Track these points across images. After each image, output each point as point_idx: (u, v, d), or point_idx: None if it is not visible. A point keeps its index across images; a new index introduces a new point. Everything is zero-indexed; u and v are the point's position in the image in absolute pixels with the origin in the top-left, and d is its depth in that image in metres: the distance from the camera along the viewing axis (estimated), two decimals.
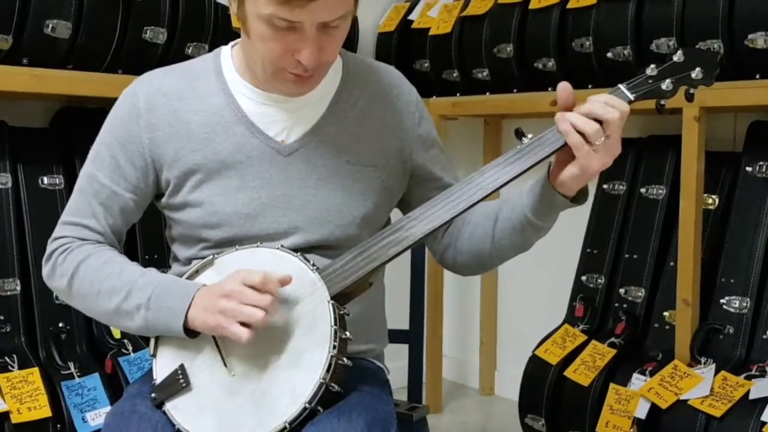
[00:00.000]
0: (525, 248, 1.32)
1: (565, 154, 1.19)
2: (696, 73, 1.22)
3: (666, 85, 1.22)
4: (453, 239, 1.39)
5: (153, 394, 1.25)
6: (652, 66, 1.22)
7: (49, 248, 1.33)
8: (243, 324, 1.16)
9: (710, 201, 2.24)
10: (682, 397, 1.99)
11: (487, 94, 2.70)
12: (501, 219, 1.30)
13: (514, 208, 1.28)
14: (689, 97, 1.24)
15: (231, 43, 1.39)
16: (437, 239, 1.41)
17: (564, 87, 1.20)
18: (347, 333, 1.19)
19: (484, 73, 2.67)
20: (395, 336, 1.60)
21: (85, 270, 1.28)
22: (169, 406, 1.24)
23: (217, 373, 1.23)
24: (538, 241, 1.31)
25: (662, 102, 1.23)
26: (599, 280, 2.42)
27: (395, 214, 1.39)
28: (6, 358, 1.94)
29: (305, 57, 1.19)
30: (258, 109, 1.32)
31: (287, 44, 1.19)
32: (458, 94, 2.79)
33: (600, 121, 1.15)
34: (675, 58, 1.23)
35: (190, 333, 1.23)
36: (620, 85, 1.22)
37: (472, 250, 1.36)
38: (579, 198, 1.24)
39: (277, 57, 1.21)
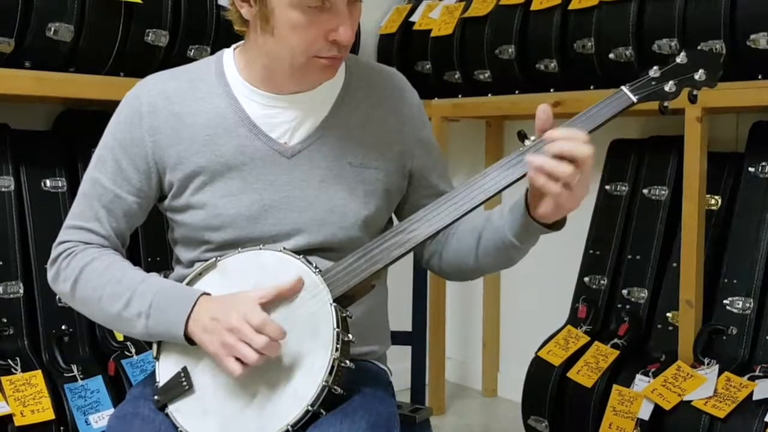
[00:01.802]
0: (508, 266, 1.32)
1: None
2: (699, 75, 1.22)
3: (669, 86, 1.21)
4: (440, 247, 1.39)
5: (156, 397, 1.26)
6: (656, 68, 1.22)
7: (54, 252, 1.33)
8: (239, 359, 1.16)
9: (713, 202, 2.24)
10: (685, 398, 1.98)
11: (489, 95, 2.69)
12: (484, 237, 1.30)
13: (497, 229, 1.27)
14: (692, 99, 1.24)
15: (233, 46, 1.39)
16: (425, 245, 1.41)
17: (544, 110, 1.16)
18: (350, 336, 1.19)
19: (486, 75, 2.67)
20: (398, 338, 1.60)
21: (88, 275, 1.28)
22: (172, 409, 1.24)
23: (219, 376, 1.22)
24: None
25: (665, 104, 1.23)
26: (602, 282, 2.41)
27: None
28: (9, 360, 1.94)
29: (343, 33, 1.21)
30: (261, 111, 1.32)
31: (321, 26, 1.20)
32: (460, 96, 2.78)
33: (572, 160, 1.10)
34: (678, 60, 1.23)
35: (191, 340, 1.23)
36: (623, 87, 1.21)
37: (456, 263, 1.37)
38: (557, 225, 1.22)
39: (310, 43, 1.22)
